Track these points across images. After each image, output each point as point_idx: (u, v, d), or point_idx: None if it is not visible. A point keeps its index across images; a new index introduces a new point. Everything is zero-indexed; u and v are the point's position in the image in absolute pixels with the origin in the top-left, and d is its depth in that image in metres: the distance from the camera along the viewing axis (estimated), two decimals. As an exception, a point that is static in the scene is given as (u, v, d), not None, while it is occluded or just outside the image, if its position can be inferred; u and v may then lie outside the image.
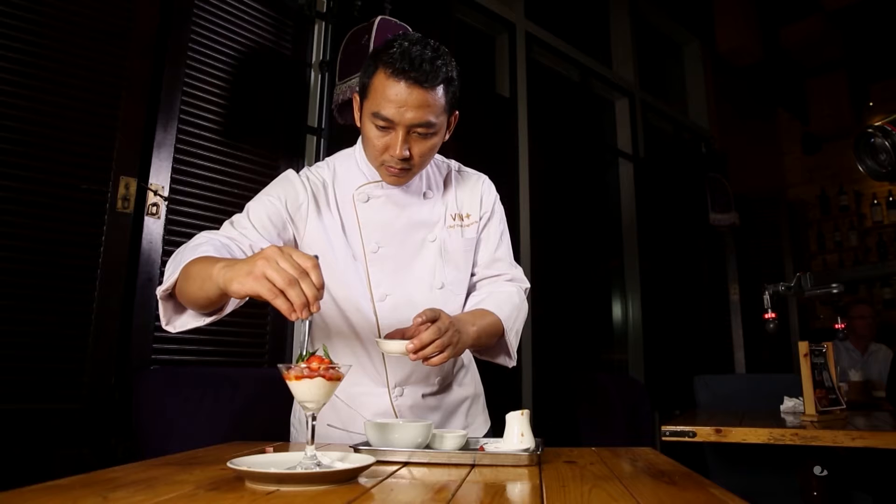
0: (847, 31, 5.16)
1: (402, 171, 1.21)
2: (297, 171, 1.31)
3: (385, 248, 1.26)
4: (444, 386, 1.36)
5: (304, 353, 0.90)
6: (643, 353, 4.18)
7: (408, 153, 1.17)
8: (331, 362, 0.88)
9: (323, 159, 1.35)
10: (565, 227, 3.91)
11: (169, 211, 2.12)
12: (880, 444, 1.54)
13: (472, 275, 1.38)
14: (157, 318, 2.03)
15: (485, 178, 1.42)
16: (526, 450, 1.03)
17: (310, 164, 2.61)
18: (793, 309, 5.18)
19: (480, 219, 1.37)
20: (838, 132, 5.59)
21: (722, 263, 5.15)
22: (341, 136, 2.63)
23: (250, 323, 2.31)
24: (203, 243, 1.11)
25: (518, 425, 1.08)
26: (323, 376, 0.87)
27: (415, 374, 1.29)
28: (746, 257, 5.35)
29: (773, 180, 6.16)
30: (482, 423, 1.43)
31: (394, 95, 1.13)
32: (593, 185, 4.30)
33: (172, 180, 2.13)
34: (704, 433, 1.69)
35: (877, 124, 1.51)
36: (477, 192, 1.37)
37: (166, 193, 2.11)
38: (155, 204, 2.07)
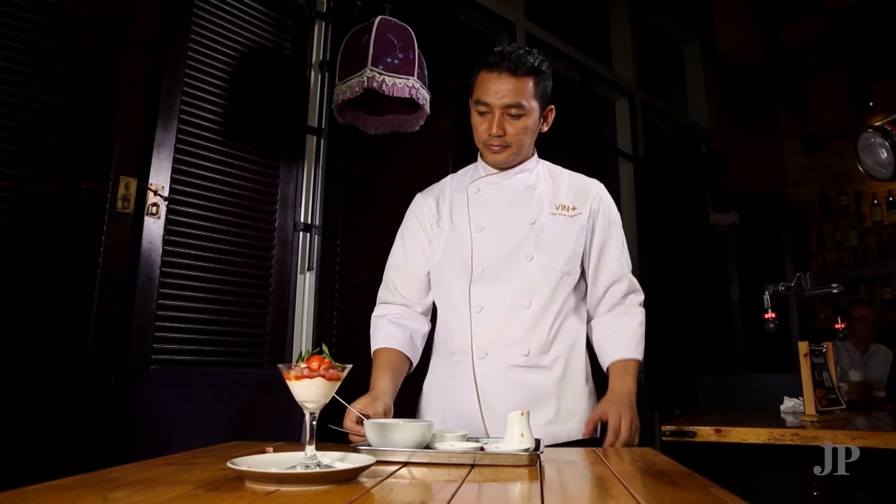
0: (847, 31, 5.15)
1: (501, 148, 1.43)
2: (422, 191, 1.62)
3: (488, 228, 1.45)
4: (535, 364, 1.38)
5: (304, 352, 0.90)
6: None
7: (503, 132, 1.40)
8: (331, 362, 0.88)
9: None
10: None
11: (169, 211, 2.12)
12: (880, 444, 1.54)
13: (595, 284, 1.51)
14: (157, 318, 2.06)
15: (599, 183, 1.56)
16: (526, 450, 1.03)
17: (310, 164, 2.63)
18: (793, 309, 5.17)
19: (591, 215, 1.49)
20: (838, 132, 5.59)
21: (722, 263, 5.14)
22: (341, 136, 2.63)
23: (250, 323, 2.31)
24: (384, 343, 1.48)
25: (518, 425, 1.08)
26: (323, 376, 0.87)
27: (499, 339, 1.39)
28: (746, 257, 5.33)
29: (773, 180, 6.15)
30: (577, 422, 1.41)
31: (490, 84, 1.39)
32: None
33: (172, 180, 2.13)
34: (704, 433, 1.69)
35: (877, 124, 1.51)
36: (585, 190, 1.52)
37: (166, 193, 2.11)
38: (155, 204, 2.07)
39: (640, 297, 1.56)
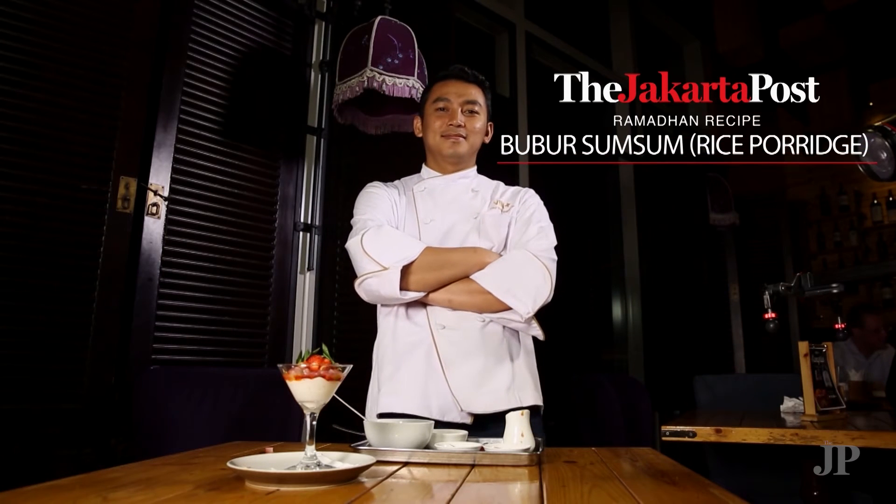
0: (847, 31, 5.15)
1: (459, 138, 1.55)
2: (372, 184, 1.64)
3: (435, 221, 1.54)
4: (491, 331, 1.45)
5: (304, 352, 0.90)
6: (643, 353, 4.17)
7: (462, 123, 1.54)
8: (331, 362, 0.88)
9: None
10: (565, 227, 3.91)
11: (169, 211, 2.12)
12: (880, 444, 1.54)
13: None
14: (157, 318, 2.05)
15: (530, 190, 1.66)
16: (526, 450, 1.03)
17: (310, 164, 2.62)
18: (793, 309, 5.17)
19: (519, 210, 1.59)
20: (838, 132, 5.58)
21: (722, 263, 5.14)
22: (341, 136, 2.63)
23: (250, 323, 2.31)
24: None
25: (518, 425, 1.08)
26: (323, 376, 0.87)
27: (453, 315, 1.44)
28: (746, 257, 5.33)
29: (773, 180, 6.15)
30: (531, 389, 1.45)
31: (450, 87, 1.57)
32: (593, 184, 4.30)
33: (172, 180, 2.13)
34: (704, 433, 1.69)
35: (877, 124, 1.51)
36: (519, 193, 1.62)
37: (166, 193, 2.11)
38: (155, 204, 2.07)
39: (537, 252, 1.56)
